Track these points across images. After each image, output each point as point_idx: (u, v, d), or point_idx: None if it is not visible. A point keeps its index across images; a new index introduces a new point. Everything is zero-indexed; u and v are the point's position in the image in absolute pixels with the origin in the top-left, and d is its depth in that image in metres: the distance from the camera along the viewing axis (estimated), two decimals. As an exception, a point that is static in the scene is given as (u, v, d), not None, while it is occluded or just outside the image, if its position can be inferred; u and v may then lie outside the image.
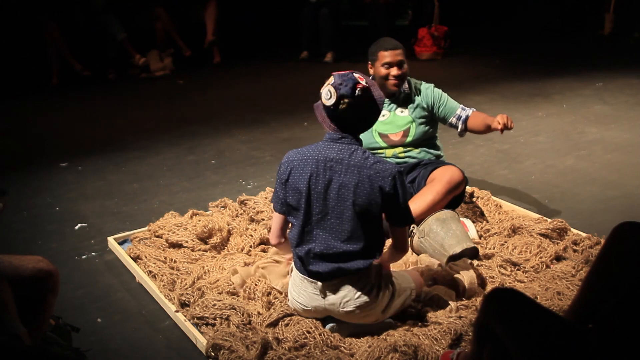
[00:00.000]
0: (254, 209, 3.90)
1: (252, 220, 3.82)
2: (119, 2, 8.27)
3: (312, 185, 2.62)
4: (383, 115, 3.80)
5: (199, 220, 3.69)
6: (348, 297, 2.68)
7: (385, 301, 2.75)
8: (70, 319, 2.72)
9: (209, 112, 6.47)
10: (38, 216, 4.22)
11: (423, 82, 3.93)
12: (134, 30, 8.08)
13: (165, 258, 3.44)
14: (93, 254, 3.69)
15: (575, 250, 3.41)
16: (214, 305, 2.92)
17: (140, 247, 3.57)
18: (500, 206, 3.97)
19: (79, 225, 4.03)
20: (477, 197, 4.04)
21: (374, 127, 3.50)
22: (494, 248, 3.46)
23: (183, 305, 3.04)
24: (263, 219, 3.77)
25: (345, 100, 2.59)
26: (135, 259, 3.49)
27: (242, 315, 2.85)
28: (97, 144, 5.60)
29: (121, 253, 3.57)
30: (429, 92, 3.86)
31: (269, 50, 9.36)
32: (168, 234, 3.62)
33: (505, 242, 3.51)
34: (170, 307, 3.05)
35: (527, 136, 5.50)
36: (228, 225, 3.68)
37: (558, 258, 3.38)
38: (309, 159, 2.65)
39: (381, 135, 3.82)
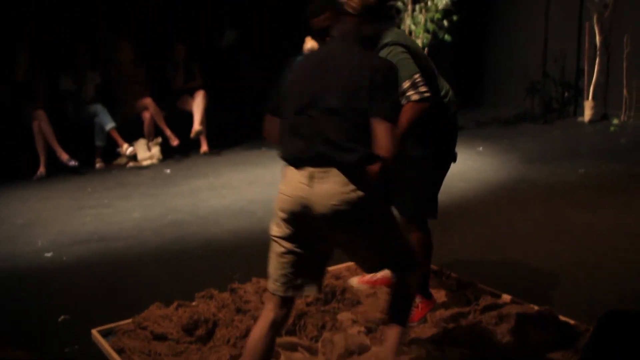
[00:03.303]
0: (242, 298, 3.87)
1: (238, 310, 3.77)
2: (108, 92, 8.42)
3: None
4: None
5: (185, 312, 3.65)
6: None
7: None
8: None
9: (195, 202, 6.48)
10: (21, 308, 4.17)
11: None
12: (121, 119, 8.19)
13: (149, 351, 3.39)
14: (76, 347, 3.62)
15: (563, 338, 3.38)
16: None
17: (125, 339, 3.51)
18: (487, 292, 3.95)
19: (62, 317, 3.97)
20: (464, 285, 4.03)
21: None
22: (481, 336, 3.43)
23: (167, 400, 2.97)
24: (249, 310, 3.73)
25: None
26: (119, 351, 3.43)
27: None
28: (83, 234, 5.58)
29: (105, 346, 3.51)
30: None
31: (256, 140, 9.46)
32: (153, 326, 3.58)
33: (494, 330, 3.48)
34: (154, 402, 2.98)
35: (512, 222, 5.53)
36: (214, 316, 3.65)
37: (547, 346, 3.35)
38: None
39: None
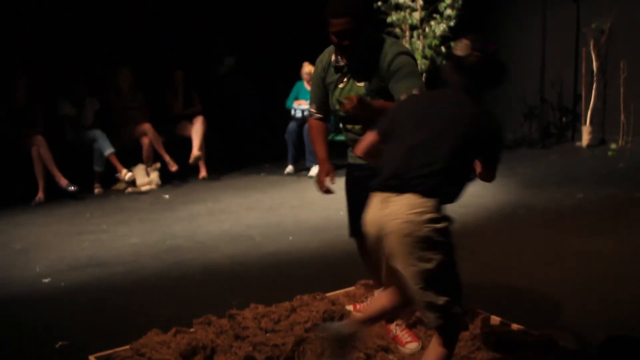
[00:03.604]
0: (240, 324, 3.85)
1: (237, 337, 3.75)
2: (107, 118, 8.45)
3: None
4: (342, 82, 3.53)
5: (183, 338, 3.63)
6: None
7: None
8: None
9: (194, 227, 6.47)
10: (18, 334, 4.14)
11: (395, 44, 3.48)
12: (120, 144, 8.22)
13: (147, 378, 3.36)
14: (73, 374, 3.60)
15: (564, 365, 3.36)
16: None
17: (122, 366, 3.49)
18: (485, 318, 3.94)
19: (60, 343, 3.94)
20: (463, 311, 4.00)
21: (336, 95, 3.49)
22: (482, 363, 3.41)
23: None
24: (248, 336, 3.71)
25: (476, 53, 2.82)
26: (117, 379, 3.40)
27: None
28: (81, 259, 5.57)
29: (102, 373, 3.49)
30: (389, 57, 3.39)
31: (255, 165, 9.49)
32: (151, 352, 3.55)
33: (493, 356, 3.46)
34: None
35: (510, 249, 5.52)
36: (212, 342, 3.62)
37: (547, 373, 3.33)
38: None
39: (340, 104, 3.43)
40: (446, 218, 2.74)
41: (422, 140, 2.77)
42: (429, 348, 2.88)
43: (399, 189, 2.73)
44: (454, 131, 2.76)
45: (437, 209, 2.71)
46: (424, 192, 2.69)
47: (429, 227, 2.66)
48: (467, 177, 2.86)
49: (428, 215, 2.67)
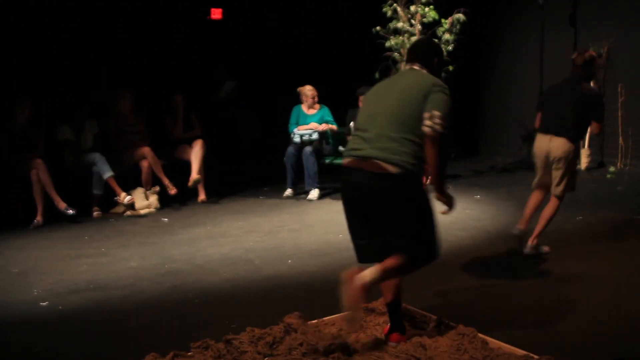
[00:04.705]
0: (238, 348, 3.83)
1: (235, 361, 3.74)
2: (106, 141, 8.47)
3: None
4: None
5: (181, 362, 3.62)
6: None
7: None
8: None
9: (193, 251, 6.46)
10: (16, 358, 4.12)
11: None
12: (119, 168, 8.23)
13: (145, 402, 3.34)
14: (71, 398, 3.58)
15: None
16: None
17: (120, 390, 3.47)
18: (487, 343, 3.92)
19: (58, 368, 3.94)
20: (463, 335, 3.99)
21: None
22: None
23: None
24: (246, 360, 3.69)
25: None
26: (114, 403, 3.38)
27: None
28: (80, 283, 5.55)
29: (100, 397, 3.47)
30: None
31: (254, 189, 9.50)
32: (149, 377, 3.54)
33: (494, 380, 3.44)
34: None
35: (510, 271, 5.51)
36: (210, 366, 3.60)
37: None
38: None
39: None
40: (576, 151, 5.58)
41: (560, 107, 5.57)
42: (546, 208, 5.84)
43: (557, 134, 5.56)
44: (575, 101, 5.51)
45: (575, 146, 5.58)
46: (568, 137, 5.53)
47: (570, 150, 5.56)
48: (586, 127, 5.74)
49: (573, 146, 5.57)
